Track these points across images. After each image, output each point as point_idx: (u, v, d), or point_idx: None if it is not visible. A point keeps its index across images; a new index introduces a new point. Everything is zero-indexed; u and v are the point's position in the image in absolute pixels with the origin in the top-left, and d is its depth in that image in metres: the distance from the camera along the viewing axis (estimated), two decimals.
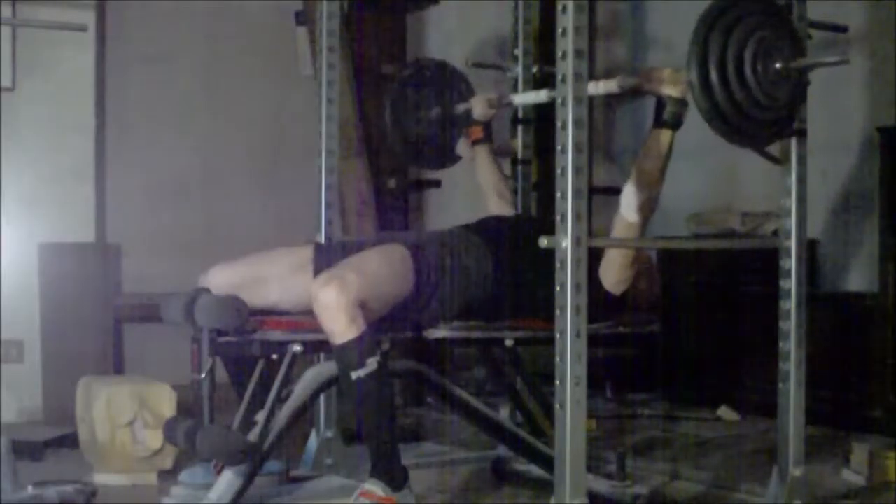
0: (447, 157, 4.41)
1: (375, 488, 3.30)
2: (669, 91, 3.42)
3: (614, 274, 3.59)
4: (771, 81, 3.11)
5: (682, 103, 3.41)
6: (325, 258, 3.59)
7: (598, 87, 3.69)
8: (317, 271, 3.50)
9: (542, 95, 4.07)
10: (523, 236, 3.60)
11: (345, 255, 3.55)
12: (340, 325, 3.24)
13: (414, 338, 3.54)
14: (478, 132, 4.25)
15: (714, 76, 3.00)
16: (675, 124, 3.43)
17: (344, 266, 3.38)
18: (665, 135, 3.44)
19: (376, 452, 3.36)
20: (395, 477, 3.34)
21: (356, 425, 3.47)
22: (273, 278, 3.57)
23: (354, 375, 3.26)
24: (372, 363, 3.26)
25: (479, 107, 4.23)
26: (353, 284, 3.25)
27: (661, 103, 3.45)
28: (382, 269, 3.42)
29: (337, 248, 3.73)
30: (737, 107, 3.04)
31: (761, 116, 3.12)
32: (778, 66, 3.11)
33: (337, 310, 3.23)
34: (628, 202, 3.50)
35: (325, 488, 3.74)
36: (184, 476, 3.81)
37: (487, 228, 3.74)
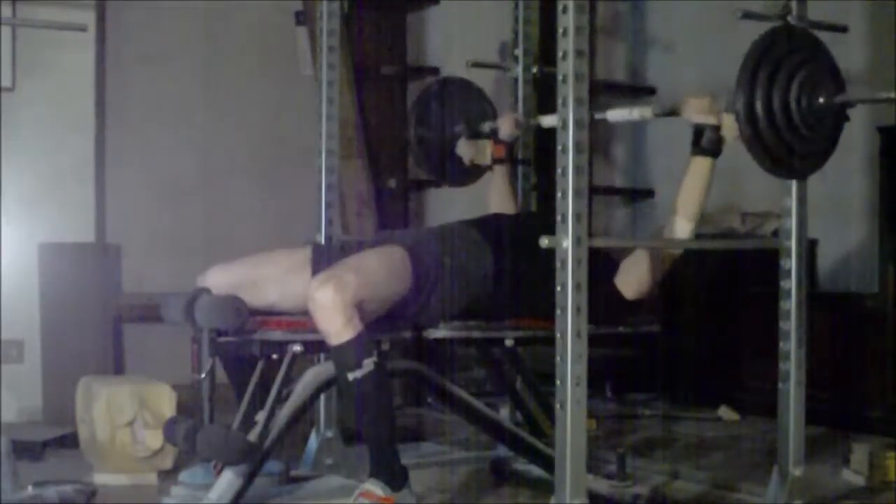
0: (469, 174, 4.39)
1: (375, 488, 3.29)
2: (707, 119, 3.43)
3: (638, 284, 3.61)
4: (814, 115, 3.13)
5: (718, 131, 3.42)
6: (324, 259, 3.58)
7: (632, 114, 3.71)
8: (315, 272, 3.49)
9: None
10: (523, 234, 3.61)
11: (343, 256, 3.55)
12: (336, 326, 3.24)
13: (414, 338, 3.54)
14: (500, 151, 4.24)
15: (759, 107, 3.02)
16: (714, 152, 3.44)
17: (341, 266, 3.38)
18: (704, 162, 3.45)
19: (376, 453, 3.36)
20: (395, 477, 3.34)
21: (356, 425, 3.46)
22: (272, 279, 3.56)
23: (351, 377, 3.26)
24: (369, 364, 3.26)
25: (506, 126, 4.22)
26: (349, 285, 3.24)
27: (698, 131, 3.46)
28: (380, 269, 3.42)
29: (335, 249, 3.73)
30: (779, 138, 3.07)
31: (802, 149, 3.14)
32: (821, 100, 3.13)
33: (333, 310, 3.22)
34: (678, 236, 3.52)
35: (325, 488, 3.75)
36: (184, 476, 3.81)
37: (487, 225, 3.73)
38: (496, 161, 4.24)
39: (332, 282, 3.24)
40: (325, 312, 3.23)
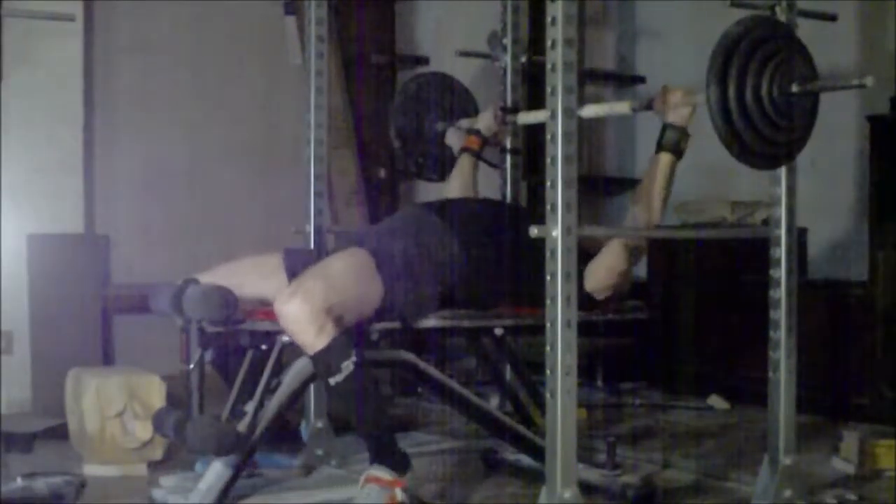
0: (447, 170, 4.38)
1: (381, 473, 3.31)
2: (672, 118, 3.43)
3: (600, 280, 3.59)
4: (786, 104, 3.11)
5: (682, 131, 3.42)
6: (296, 261, 3.57)
7: (611, 108, 3.69)
8: (289, 273, 3.51)
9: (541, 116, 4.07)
10: (498, 223, 3.63)
11: (315, 258, 3.55)
12: (310, 337, 3.23)
13: (403, 327, 3.53)
14: (475, 142, 4.22)
15: (732, 100, 3.01)
16: (675, 151, 3.43)
17: (305, 276, 3.36)
18: (665, 159, 3.44)
19: (373, 444, 3.38)
20: (397, 463, 3.36)
21: (355, 422, 3.46)
22: (245, 286, 3.52)
23: (333, 382, 3.26)
24: (348, 366, 3.25)
25: (485, 120, 4.21)
26: (316, 293, 3.24)
27: (664, 128, 3.46)
28: (345, 273, 3.40)
29: (305, 252, 3.73)
30: (754, 130, 3.05)
31: (777, 139, 3.13)
32: (794, 89, 3.12)
33: (304, 322, 3.22)
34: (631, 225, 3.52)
35: (315, 478, 3.75)
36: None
37: (453, 211, 3.72)
38: (468, 150, 4.22)
39: (299, 293, 3.23)
40: (296, 326, 3.23)
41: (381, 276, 3.45)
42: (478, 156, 4.23)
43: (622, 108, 3.70)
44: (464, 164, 4.23)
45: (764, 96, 3.08)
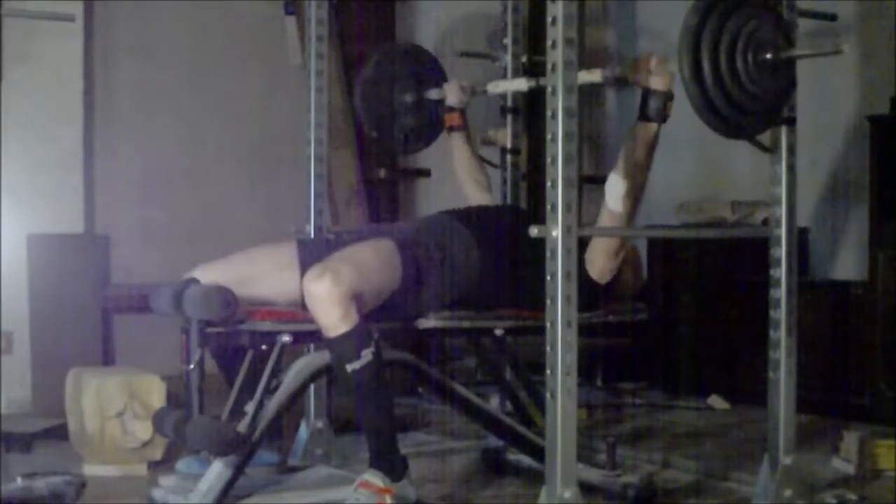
0: (419, 142, 4.39)
1: (374, 479, 3.30)
2: (654, 84, 3.40)
3: (599, 264, 3.59)
4: (760, 72, 3.10)
5: (666, 96, 3.40)
6: (310, 254, 3.57)
7: (581, 78, 3.66)
8: (304, 267, 3.48)
9: (520, 84, 4.05)
10: (507, 227, 3.62)
11: (329, 250, 3.54)
12: (333, 318, 3.23)
13: (404, 328, 3.54)
14: (454, 119, 4.22)
15: (706, 67, 2.99)
16: (660, 118, 3.41)
17: (335, 259, 3.37)
18: (649, 127, 3.42)
19: (375, 443, 3.37)
20: (394, 467, 3.35)
21: (356, 417, 3.46)
22: (259, 277, 3.52)
23: (350, 368, 3.26)
24: (367, 355, 3.26)
25: (452, 93, 4.20)
26: (345, 276, 3.24)
27: (646, 95, 3.43)
28: (373, 262, 3.41)
29: (320, 244, 3.73)
30: (727, 98, 3.03)
31: (751, 107, 3.11)
32: (768, 56, 3.10)
33: (330, 303, 3.22)
34: (613, 193, 3.50)
35: (315, 478, 3.74)
36: (180, 465, 3.79)
37: (472, 218, 3.72)
38: (451, 129, 4.23)
39: (329, 274, 3.23)
40: (322, 305, 3.22)
41: (402, 271, 3.46)
42: (464, 127, 4.23)
43: (593, 76, 3.65)
44: (456, 143, 4.24)
45: (738, 62, 3.05)
